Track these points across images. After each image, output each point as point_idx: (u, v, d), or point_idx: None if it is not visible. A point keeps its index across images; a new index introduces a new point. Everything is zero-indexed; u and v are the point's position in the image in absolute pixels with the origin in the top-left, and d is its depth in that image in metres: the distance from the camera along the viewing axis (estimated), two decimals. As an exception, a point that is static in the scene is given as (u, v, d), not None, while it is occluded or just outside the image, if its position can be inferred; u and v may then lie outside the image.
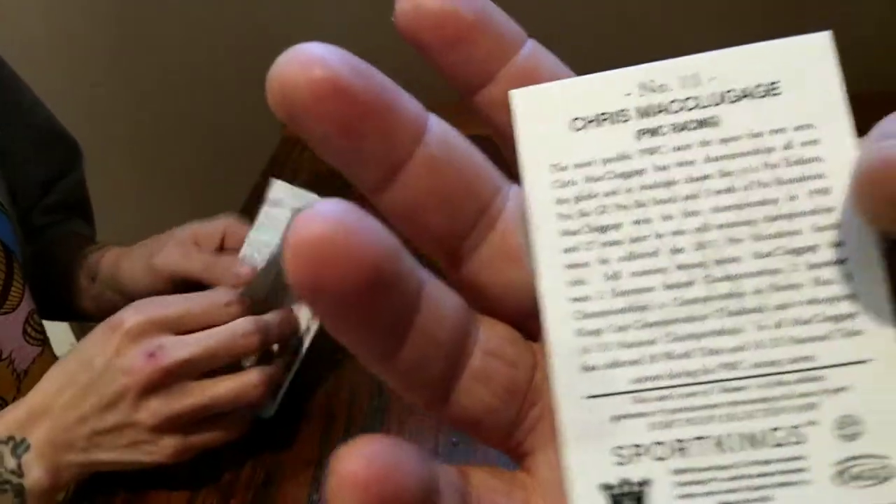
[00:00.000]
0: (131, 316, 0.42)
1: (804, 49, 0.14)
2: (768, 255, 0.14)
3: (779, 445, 0.14)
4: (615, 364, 0.14)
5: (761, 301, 0.14)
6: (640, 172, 0.14)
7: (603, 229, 0.14)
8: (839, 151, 0.14)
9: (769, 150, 0.14)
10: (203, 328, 0.43)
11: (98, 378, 0.41)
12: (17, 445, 0.41)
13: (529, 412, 0.15)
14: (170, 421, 0.42)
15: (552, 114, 0.15)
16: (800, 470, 0.14)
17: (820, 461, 0.14)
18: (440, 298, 0.14)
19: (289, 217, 0.52)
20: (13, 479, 0.40)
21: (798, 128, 0.14)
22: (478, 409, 0.14)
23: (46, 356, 0.52)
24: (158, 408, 0.41)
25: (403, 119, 0.13)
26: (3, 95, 0.58)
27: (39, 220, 0.62)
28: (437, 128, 0.14)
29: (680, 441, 0.14)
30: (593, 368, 0.14)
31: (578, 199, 0.14)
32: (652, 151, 0.14)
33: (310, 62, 0.12)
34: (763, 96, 0.14)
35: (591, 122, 0.14)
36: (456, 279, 0.15)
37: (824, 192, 0.14)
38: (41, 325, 0.52)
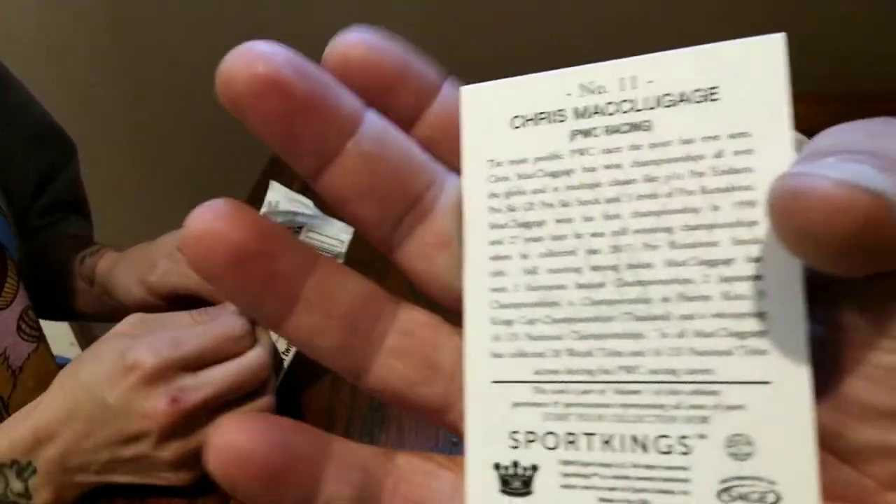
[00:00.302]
0: (147, 357, 0.41)
1: (753, 52, 0.14)
2: (681, 264, 0.14)
3: (665, 453, 0.14)
4: (521, 354, 0.15)
5: (668, 309, 0.14)
6: (568, 172, 0.15)
7: (527, 225, 0.15)
8: (773, 163, 0.13)
9: (698, 158, 0.14)
10: (219, 361, 0.43)
11: (114, 416, 0.41)
12: (23, 469, 0.40)
13: (461, 393, 0.16)
14: (190, 457, 0.42)
15: (495, 111, 0.15)
16: (683, 480, 0.14)
17: (704, 475, 0.13)
18: (335, 280, 0.15)
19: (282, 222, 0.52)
20: (21, 502, 0.40)
21: (733, 136, 0.14)
22: (396, 382, 0.16)
23: (42, 352, 0.52)
24: (179, 447, 0.41)
25: (338, 115, 0.14)
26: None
27: (35, 221, 0.62)
28: (373, 124, 0.15)
29: (571, 434, 0.14)
30: (501, 356, 0.15)
31: (509, 194, 0.15)
32: (582, 152, 0.14)
33: (254, 59, 0.13)
34: (701, 101, 0.14)
35: (529, 120, 0.15)
36: (393, 264, 0.16)
37: (750, 204, 0.13)
38: (36, 322, 0.52)
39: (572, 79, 0.15)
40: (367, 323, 0.15)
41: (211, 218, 0.14)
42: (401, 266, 0.16)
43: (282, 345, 0.51)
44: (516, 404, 0.15)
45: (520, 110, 0.15)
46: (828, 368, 0.13)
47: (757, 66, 0.14)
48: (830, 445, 0.14)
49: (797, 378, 0.13)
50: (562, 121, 0.15)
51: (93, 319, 0.63)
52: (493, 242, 0.15)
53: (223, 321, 0.45)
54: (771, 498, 0.13)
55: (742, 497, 0.13)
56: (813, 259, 0.11)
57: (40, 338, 0.52)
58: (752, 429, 0.13)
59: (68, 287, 0.60)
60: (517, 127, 0.15)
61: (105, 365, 0.42)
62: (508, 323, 0.15)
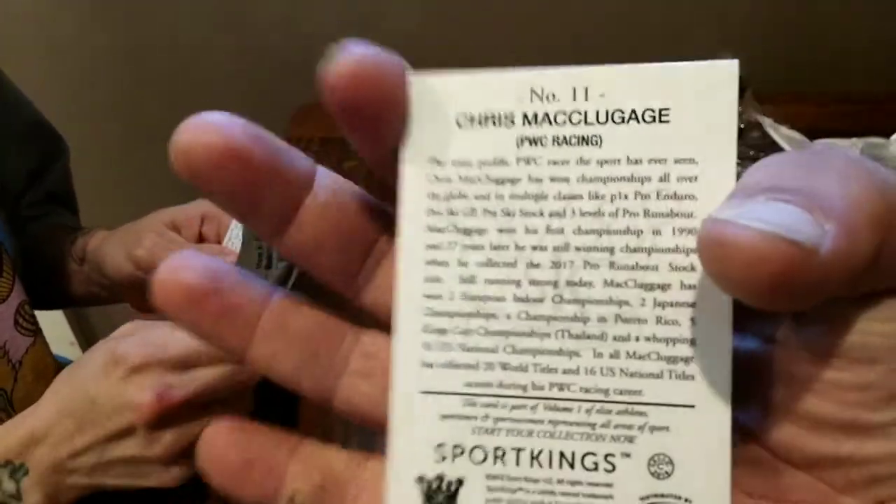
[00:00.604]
0: (134, 352, 0.41)
1: (706, 76, 0.14)
2: (620, 285, 0.14)
3: (591, 470, 0.14)
4: (453, 365, 0.14)
5: (604, 329, 0.14)
6: (513, 181, 0.14)
7: (468, 232, 0.14)
8: (715, 193, 0.13)
9: (644, 180, 0.14)
10: (205, 365, 0.43)
11: (102, 412, 0.41)
12: (16, 470, 0.41)
13: None
14: (182, 451, 0.42)
15: (442, 106, 0.14)
16: (606, 497, 0.14)
17: (626, 492, 0.14)
18: (292, 310, 0.16)
19: None
20: (12, 503, 0.40)
21: (679, 161, 0.14)
22: (362, 402, 0.16)
23: (39, 346, 0.52)
24: (171, 441, 0.42)
25: (295, 174, 0.15)
26: None
27: (25, 213, 0.62)
28: (325, 177, 0.15)
29: (499, 449, 0.14)
30: (431, 365, 0.14)
31: (450, 197, 0.14)
32: (529, 161, 0.14)
33: (209, 130, 0.14)
34: (651, 122, 0.14)
35: (477, 120, 0.14)
36: (359, 306, 0.16)
37: (690, 232, 0.14)
38: (33, 316, 0.52)
39: (524, 82, 0.14)
40: (329, 347, 0.16)
41: (170, 268, 0.15)
42: (368, 308, 0.16)
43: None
44: (445, 416, 0.14)
45: (468, 108, 0.14)
46: (776, 381, 0.14)
47: (708, 92, 0.14)
48: (787, 456, 0.14)
49: (719, 404, 0.14)
50: (510, 125, 0.14)
51: (86, 303, 0.63)
52: (430, 246, 0.15)
53: None
54: None
55: None
56: (741, 299, 0.12)
57: (37, 332, 0.52)
58: (673, 449, 0.14)
59: (60, 271, 0.60)
60: (464, 126, 0.14)
61: (95, 364, 0.42)
62: (441, 332, 0.14)
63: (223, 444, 0.15)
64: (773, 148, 0.62)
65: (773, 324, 0.14)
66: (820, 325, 0.13)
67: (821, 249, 0.11)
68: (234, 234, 0.53)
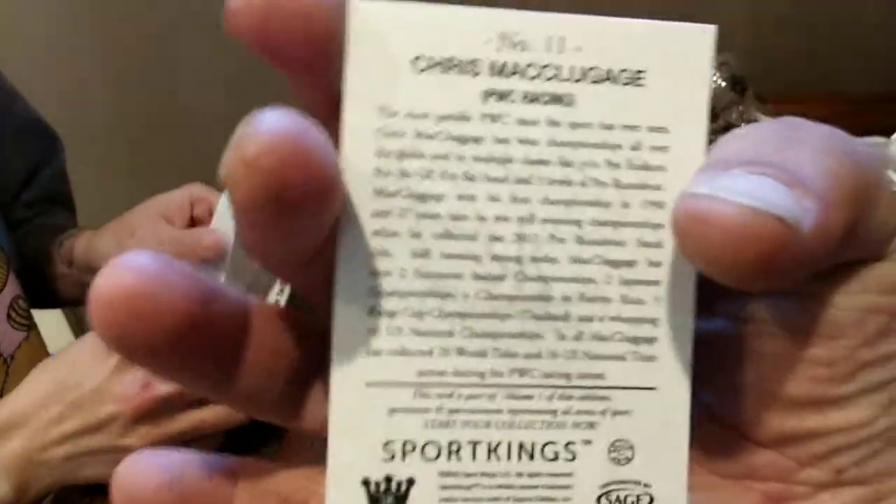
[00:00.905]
0: None
1: (683, 40, 0.13)
2: (586, 261, 0.13)
3: (551, 460, 0.13)
4: (403, 352, 0.13)
5: (567, 309, 0.13)
6: (477, 140, 0.13)
7: (422, 198, 0.12)
8: (686, 165, 0.13)
9: (616, 148, 0.13)
10: None
11: (87, 400, 0.41)
12: None
13: None
14: (157, 444, 0.42)
15: (394, 43, 0.12)
16: (565, 487, 0.13)
17: (586, 481, 0.13)
18: (273, 331, 0.13)
19: None
20: None
21: (651, 129, 0.13)
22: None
23: (33, 341, 0.52)
24: (147, 433, 0.42)
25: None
26: None
27: (20, 214, 0.62)
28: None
29: (454, 443, 0.13)
30: (379, 353, 0.13)
31: (402, 155, 0.12)
32: (495, 119, 0.13)
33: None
34: (626, 84, 0.13)
35: (436, 65, 0.12)
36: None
37: (658, 205, 0.13)
38: (27, 311, 0.52)
39: (494, 23, 0.13)
40: (309, 369, 0.14)
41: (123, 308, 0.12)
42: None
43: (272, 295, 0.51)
44: (394, 410, 0.13)
45: (426, 49, 0.12)
46: (742, 361, 0.14)
47: (685, 56, 0.13)
48: (751, 434, 0.14)
49: (679, 385, 0.13)
50: (475, 74, 0.13)
51: (78, 304, 0.64)
52: (378, 214, 0.12)
53: None
54: (645, 500, 0.13)
55: (620, 500, 0.13)
56: (719, 279, 0.11)
57: (31, 327, 0.52)
58: (634, 434, 0.13)
59: (53, 274, 0.60)
60: (421, 71, 0.12)
61: (86, 352, 0.42)
62: (391, 314, 0.13)
63: (145, 484, 0.12)
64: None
65: (740, 302, 0.14)
66: (790, 301, 0.13)
67: (802, 226, 0.11)
68: (222, 212, 0.53)
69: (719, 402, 0.14)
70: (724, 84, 0.67)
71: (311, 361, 0.14)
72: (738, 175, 0.11)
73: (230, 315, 0.13)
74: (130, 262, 0.12)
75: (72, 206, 0.69)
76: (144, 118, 1.04)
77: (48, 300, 0.63)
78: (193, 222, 0.56)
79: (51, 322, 0.92)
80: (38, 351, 0.52)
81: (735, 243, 0.10)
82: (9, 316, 0.50)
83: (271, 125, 0.11)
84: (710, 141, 0.13)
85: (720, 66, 0.66)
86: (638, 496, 0.13)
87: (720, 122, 0.65)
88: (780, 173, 0.11)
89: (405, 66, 0.12)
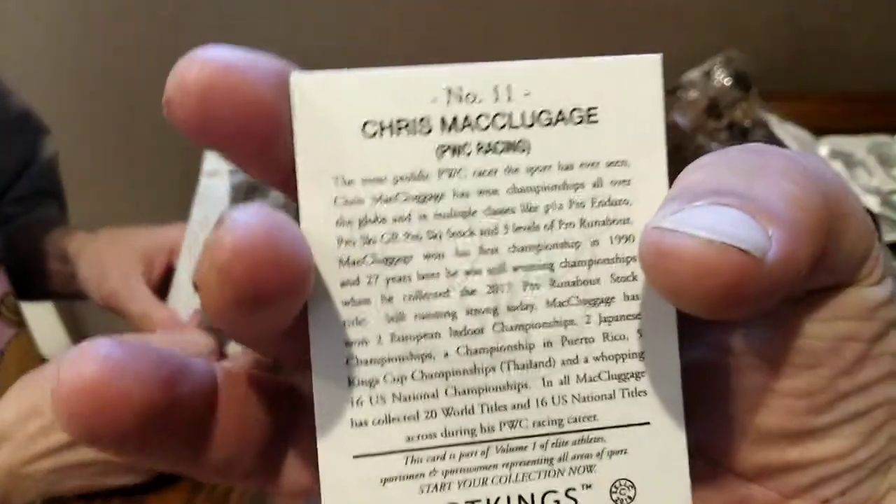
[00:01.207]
0: None
1: (630, 72, 0.13)
2: (563, 304, 0.13)
3: None
4: (389, 419, 0.13)
5: (550, 354, 0.13)
6: (437, 197, 0.13)
7: (390, 261, 0.13)
8: (649, 196, 0.13)
9: (578, 187, 0.13)
10: None
11: None
12: None
13: None
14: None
15: (340, 113, 0.12)
16: None
17: None
18: (244, 399, 0.13)
19: (227, 187, 0.53)
20: None
21: (611, 164, 0.13)
22: (310, 481, 0.14)
23: (23, 339, 0.51)
24: None
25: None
26: None
27: (10, 209, 0.61)
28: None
29: None
30: (364, 424, 0.13)
31: (364, 222, 0.12)
32: (453, 173, 0.13)
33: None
34: (579, 122, 0.13)
35: (386, 128, 0.13)
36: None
37: (628, 239, 0.13)
38: (17, 307, 0.52)
39: (439, 81, 0.13)
40: (283, 433, 0.14)
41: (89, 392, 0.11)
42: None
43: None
44: (387, 480, 0.13)
45: (374, 114, 0.12)
46: (721, 393, 0.14)
47: (634, 88, 0.13)
48: (734, 467, 0.14)
49: (672, 417, 0.13)
50: (427, 132, 0.13)
51: (73, 298, 0.63)
52: (346, 283, 0.12)
53: (188, 338, 0.45)
54: None
55: None
56: (688, 311, 0.11)
57: (20, 323, 0.51)
58: (633, 471, 0.13)
59: (44, 270, 0.59)
60: (371, 136, 0.12)
61: None
62: (371, 383, 0.13)
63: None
64: (780, 147, 0.62)
65: (719, 333, 0.14)
66: (766, 331, 0.13)
67: (768, 256, 0.11)
68: (174, 296, 0.52)
69: (701, 435, 0.14)
70: (728, 82, 0.66)
71: (285, 425, 0.14)
72: (702, 207, 0.11)
73: (196, 393, 0.13)
74: (91, 352, 0.11)
75: (62, 199, 0.69)
76: (144, 116, 1.04)
77: (41, 294, 0.63)
78: (169, 270, 0.55)
79: (44, 320, 0.92)
80: (29, 351, 0.52)
81: (700, 277, 0.11)
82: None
83: (241, 229, 0.10)
84: (728, 144, 0.13)
85: (725, 62, 0.66)
86: None
87: (724, 120, 0.65)
88: (744, 203, 0.11)
89: (355, 134, 0.12)
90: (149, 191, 0.62)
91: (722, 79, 0.67)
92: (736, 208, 0.11)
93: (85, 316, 1.10)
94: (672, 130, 0.65)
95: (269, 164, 0.12)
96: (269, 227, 0.11)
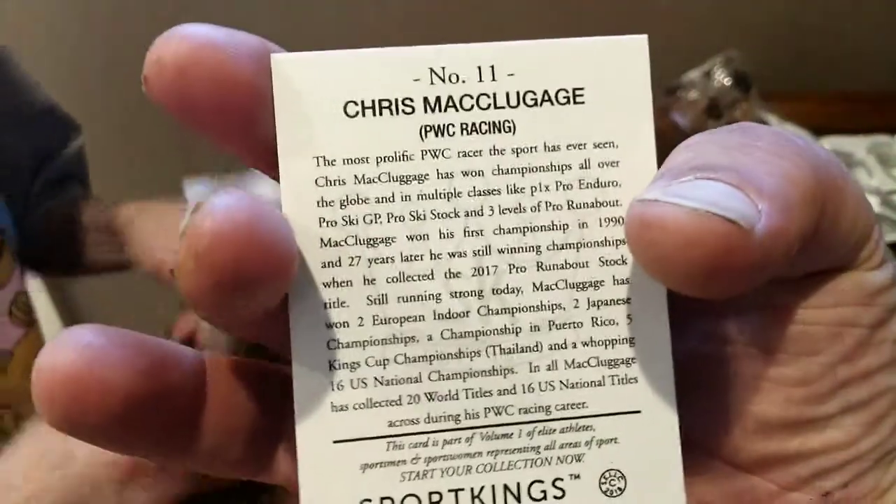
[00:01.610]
0: None
1: (617, 52, 0.13)
2: (550, 287, 0.13)
3: (539, 500, 0.13)
4: (370, 404, 0.12)
5: (537, 339, 0.13)
6: (421, 178, 0.12)
7: (372, 242, 0.12)
8: (638, 177, 0.13)
9: (564, 168, 0.13)
10: None
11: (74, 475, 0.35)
12: None
13: None
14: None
15: (322, 93, 0.12)
16: None
17: None
18: (231, 388, 0.13)
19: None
20: None
21: (598, 145, 0.13)
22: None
23: (32, 341, 0.51)
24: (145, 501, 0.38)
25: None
26: None
27: (37, 195, 0.62)
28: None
29: (434, 493, 0.13)
30: (344, 408, 0.12)
31: (346, 202, 0.12)
32: (436, 154, 0.13)
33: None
34: (565, 103, 0.13)
35: (368, 108, 0.12)
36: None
37: (617, 221, 0.13)
38: (28, 307, 0.52)
39: (421, 60, 0.12)
40: (273, 421, 0.14)
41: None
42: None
43: None
44: (367, 466, 0.12)
45: (356, 94, 0.12)
46: (717, 383, 0.14)
47: (621, 69, 0.13)
48: (731, 459, 0.14)
49: (665, 404, 0.13)
50: (410, 112, 0.12)
51: (112, 270, 0.63)
52: (328, 264, 0.12)
53: None
54: None
55: None
56: (673, 286, 0.11)
57: (31, 324, 0.52)
58: (623, 462, 0.13)
59: (83, 243, 0.60)
60: (353, 116, 0.12)
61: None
62: (353, 367, 0.12)
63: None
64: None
65: (714, 321, 0.14)
66: (762, 318, 0.13)
67: (756, 228, 0.10)
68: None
69: (696, 426, 0.14)
70: (728, 82, 0.66)
71: (275, 413, 0.14)
72: (688, 181, 0.11)
73: (182, 382, 0.12)
74: (72, 340, 0.11)
75: (88, 187, 0.69)
76: (143, 116, 1.04)
77: (78, 269, 0.63)
78: None
79: (55, 323, 0.92)
80: (37, 348, 0.52)
81: (686, 247, 0.10)
82: (10, 311, 0.49)
83: (221, 213, 0.10)
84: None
85: (725, 62, 0.66)
86: None
87: (724, 120, 0.65)
88: (731, 177, 0.11)
89: (337, 114, 0.12)
90: (149, 189, 0.62)
91: (722, 79, 0.67)
92: (723, 182, 0.11)
93: (94, 317, 1.11)
94: (672, 130, 0.65)
95: (249, 144, 0.12)
96: (250, 211, 0.10)
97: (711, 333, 0.14)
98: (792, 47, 0.85)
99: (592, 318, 0.13)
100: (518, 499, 0.13)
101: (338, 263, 0.12)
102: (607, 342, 0.13)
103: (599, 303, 0.13)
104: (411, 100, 0.12)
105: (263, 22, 0.92)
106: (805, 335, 0.13)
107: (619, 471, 0.13)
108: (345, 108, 0.12)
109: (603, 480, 0.13)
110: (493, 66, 0.13)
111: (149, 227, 0.57)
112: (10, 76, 0.60)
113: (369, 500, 0.12)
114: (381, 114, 0.12)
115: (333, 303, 0.12)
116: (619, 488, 0.13)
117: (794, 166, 0.11)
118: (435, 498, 0.13)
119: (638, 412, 0.13)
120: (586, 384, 0.13)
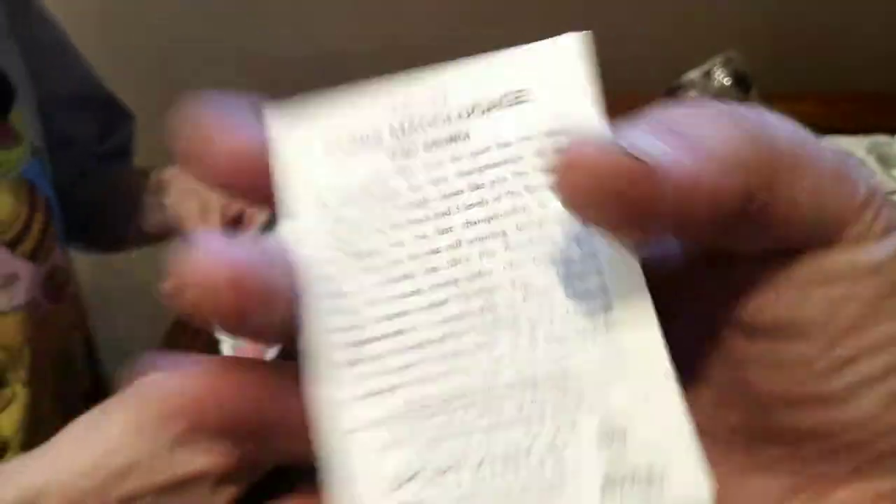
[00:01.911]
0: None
1: (553, 52, 0.14)
2: (520, 265, 0.14)
3: (540, 468, 0.13)
4: (373, 393, 0.14)
5: (514, 313, 0.14)
6: (394, 194, 0.14)
7: (359, 255, 0.14)
8: None
9: (518, 159, 0.14)
10: None
11: (154, 461, 0.32)
12: None
13: None
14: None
15: (308, 138, 0.15)
16: (564, 488, 0.13)
17: (585, 478, 0.13)
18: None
19: None
20: None
21: (549, 133, 0.14)
22: None
23: (63, 309, 0.53)
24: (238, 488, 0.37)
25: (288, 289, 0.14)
26: (57, 56, 0.61)
27: (91, 166, 0.65)
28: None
29: (438, 470, 0.14)
30: (353, 401, 0.14)
31: (336, 223, 0.14)
32: (405, 171, 0.14)
33: (206, 261, 0.12)
34: (512, 105, 0.14)
35: (346, 145, 0.15)
36: None
37: None
38: (65, 283, 0.54)
39: (381, 98, 0.15)
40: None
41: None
42: None
43: None
44: (383, 448, 0.14)
45: (334, 135, 0.15)
46: (725, 363, 0.14)
47: (562, 65, 0.14)
48: (753, 434, 0.14)
49: (649, 339, 0.13)
50: (379, 142, 0.15)
51: (154, 238, 0.66)
52: (326, 278, 0.14)
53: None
54: (657, 470, 0.13)
55: (627, 481, 0.13)
56: (594, 224, 0.12)
57: (62, 300, 0.53)
58: (619, 414, 0.13)
59: (140, 206, 0.63)
60: (335, 153, 0.15)
61: (129, 413, 0.33)
62: (354, 363, 0.14)
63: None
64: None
65: (707, 305, 0.14)
66: (752, 300, 0.13)
67: (662, 164, 0.11)
68: None
69: (717, 404, 0.14)
70: (728, 82, 0.66)
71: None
72: (612, 131, 0.12)
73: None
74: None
75: (132, 164, 0.72)
76: (145, 116, 1.04)
77: (131, 238, 0.67)
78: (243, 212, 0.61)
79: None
80: (65, 323, 0.54)
81: (597, 181, 0.11)
82: (45, 285, 0.51)
83: (209, 264, 0.12)
84: None
85: (725, 62, 0.66)
86: (647, 471, 0.13)
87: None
88: (652, 125, 0.12)
89: (321, 154, 0.15)
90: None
91: (722, 79, 0.67)
92: (642, 129, 0.12)
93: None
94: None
95: (268, 199, 0.15)
96: (242, 265, 0.12)
97: (713, 316, 0.14)
98: (792, 47, 0.85)
99: (566, 291, 0.14)
100: (520, 467, 0.13)
101: (334, 278, 0.14)
102: (582, 296, 0.14)
103: (570, 274, 0.14)
104: (380, 132, 0.15)
105: (265, 21, 0.92)
106: (792, 320, 0.13)
107: (615, 423, 0.13)
108: (328, 147, 0.15)
109: (602, 437, 0.13)
110: (445, 92, 0.14)
111: (184, 186, 0.61)
112: (79, 64, 0.65)
113: (384, 479, 0.14)
114: (357, 146, 0.15)
115: (332, 310, 0.14)
116: (621, 439, 0.13)
117: (725, 129, 0.12)
118: (438, 474, 0.14)
119: (624, 354, 0.13)
120: (568, 346, 0.14)
